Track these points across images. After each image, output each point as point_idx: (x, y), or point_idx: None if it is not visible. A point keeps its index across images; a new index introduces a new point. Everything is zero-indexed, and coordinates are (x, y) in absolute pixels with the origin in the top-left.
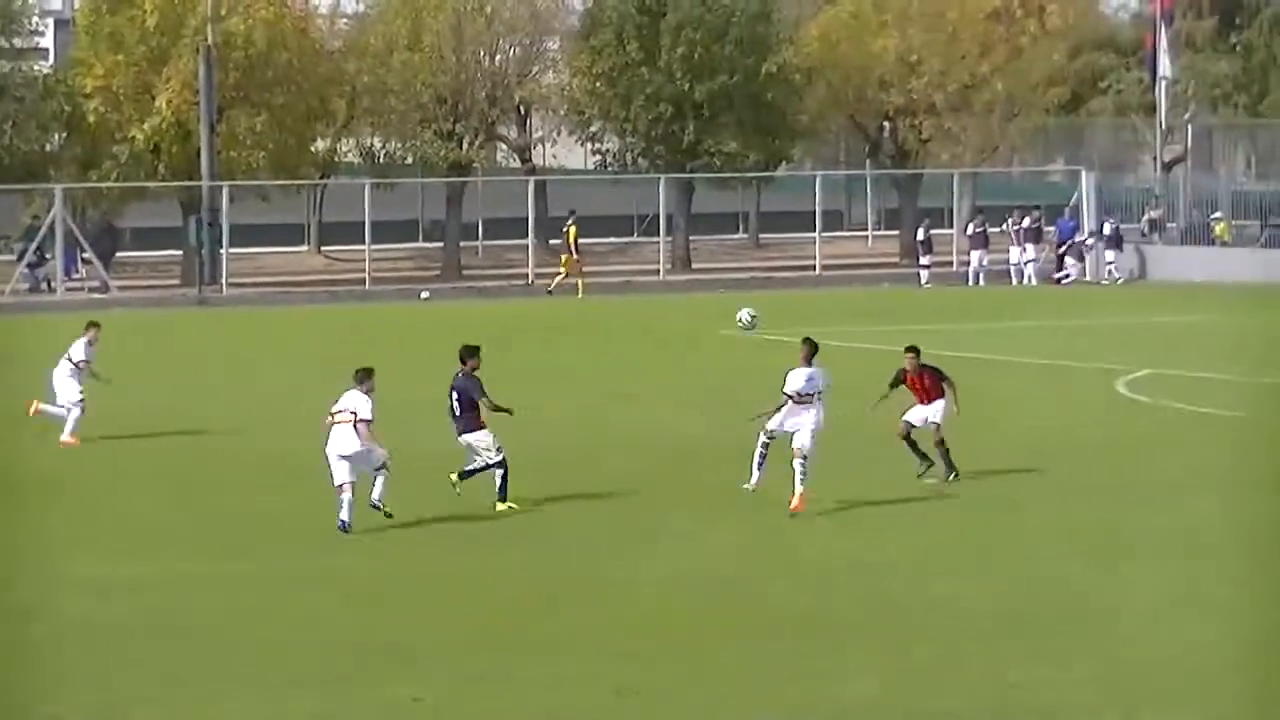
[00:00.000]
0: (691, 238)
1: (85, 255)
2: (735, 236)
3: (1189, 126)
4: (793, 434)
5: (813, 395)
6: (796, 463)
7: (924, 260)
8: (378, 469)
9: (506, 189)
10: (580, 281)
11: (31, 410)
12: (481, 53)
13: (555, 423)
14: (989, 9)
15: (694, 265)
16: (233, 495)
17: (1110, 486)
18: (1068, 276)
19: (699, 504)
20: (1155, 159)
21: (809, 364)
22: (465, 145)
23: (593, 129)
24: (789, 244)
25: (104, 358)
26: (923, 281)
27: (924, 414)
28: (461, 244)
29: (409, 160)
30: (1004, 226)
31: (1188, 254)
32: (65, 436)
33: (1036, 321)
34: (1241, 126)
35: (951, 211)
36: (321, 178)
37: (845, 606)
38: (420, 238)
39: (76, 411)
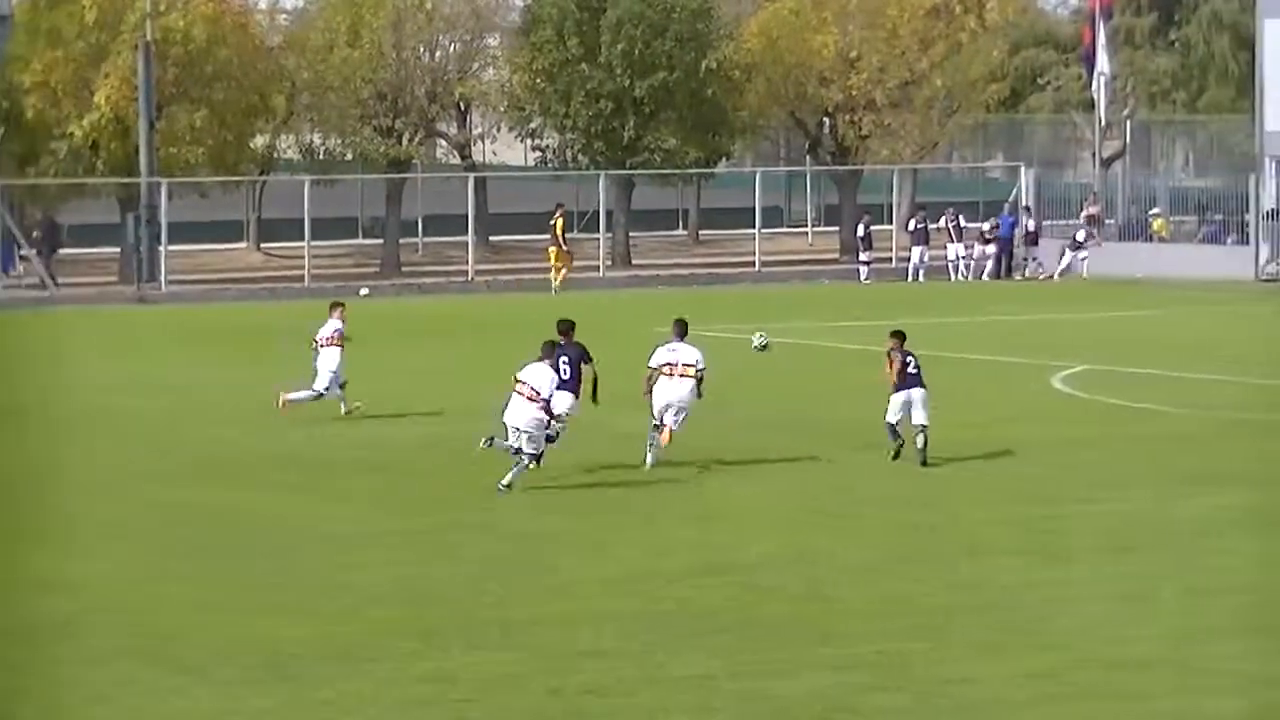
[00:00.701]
0: (631, 234)
1: (23, 252)
2: (675, 233)
3: (1128, 123)
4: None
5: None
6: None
7: (864, 256)
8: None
9: (446, 186)
10: (559, 275)
11: (280, 404)
12: (421, 49)
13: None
14: (928, 5)
15: (634, 261)
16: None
17: (1046, 482)
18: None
19: (642, 503)
20: (1094, 155)
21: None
22: (405, 142)
23: (533, 125)
24: (729, 240)
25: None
26: (862, 277)
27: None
28: (401, 241)
29: (349, 157)
30: (942, 222)
31: (1127, 250)
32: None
33: (975, 317)
34: (1180, 123)
35: (891, 208)
36: (261, 174)
37: (788, 603)
38: (360, 234)
39: (330, 387)
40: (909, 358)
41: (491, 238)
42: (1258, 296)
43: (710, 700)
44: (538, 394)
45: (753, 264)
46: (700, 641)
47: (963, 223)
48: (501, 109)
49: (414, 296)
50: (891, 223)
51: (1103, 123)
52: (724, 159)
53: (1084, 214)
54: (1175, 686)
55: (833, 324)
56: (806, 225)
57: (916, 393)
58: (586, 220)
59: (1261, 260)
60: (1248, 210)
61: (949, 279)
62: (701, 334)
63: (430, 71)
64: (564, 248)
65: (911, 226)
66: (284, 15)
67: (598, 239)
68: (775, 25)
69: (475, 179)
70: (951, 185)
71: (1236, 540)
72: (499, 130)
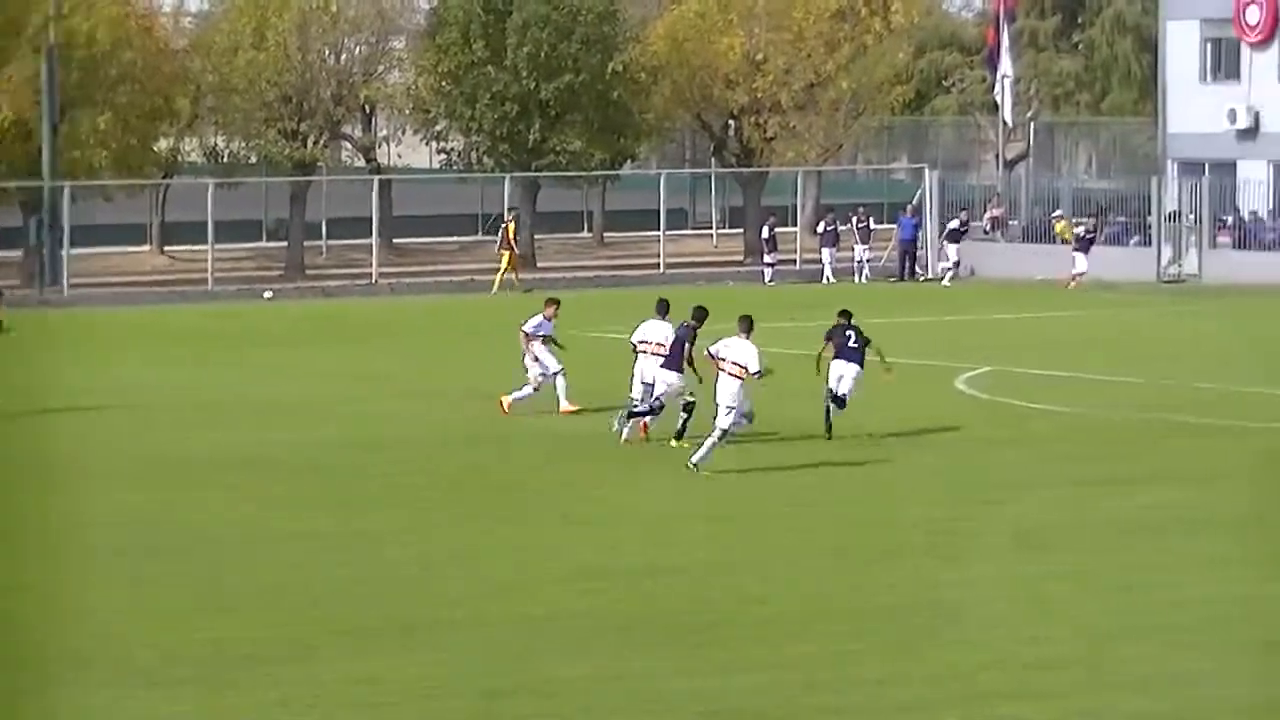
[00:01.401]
0: (536, 236)
1: None
2: (580, 235)
3: (1031, 125)
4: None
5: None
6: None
7: (768, 258)
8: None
9: (351, 188)
10: (501, 278)
11: (506, 405)
12: (327, 51)
13: (402, 418)
14: (834, 8)
15: (539, 264)
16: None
17: (955, 483)
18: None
19: (565, 501)
20: (998, 157)
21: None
22: (309, 144)
23: (438, 128)
24: (634, 242)
25: None
26: (767, 279)
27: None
28: (305, 243)
29: (253, 159)
30: (851, 224)
31: (1028, 251)
32: (564, 406)
33: (881, 319)
34: (1083, 125)
35: (796, 209)
36: (165, 177)
37: (717, 604)
38: (264, 237)
39: (561, 381)
40: (849, 332)
41: (396, 240)
42: (1160, 297)
43: (653, 700)
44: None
45: (658, 266)
46: (632, 642)
47: (871, 225)
48: (406, 112)
49: (318, 299)
50: (796, 225)
51: (1006, 125)
52: (629, 161)
53: (987, 216)
54: (1090, 685)
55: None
56: (711, 227)
57: (849, 367)
58: (491, 223)
59: (1163, 261)
60: (1150, 212)
61: (855, 280)
62: (605, 336)
63: (335, 74)
64: (514, 251)
65: (821, 229)
66: (189, 18)
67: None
68: (681, 28)
69: (380, 182)
70: (856, 187)
71: (1146, 539)
72: (404, 133)
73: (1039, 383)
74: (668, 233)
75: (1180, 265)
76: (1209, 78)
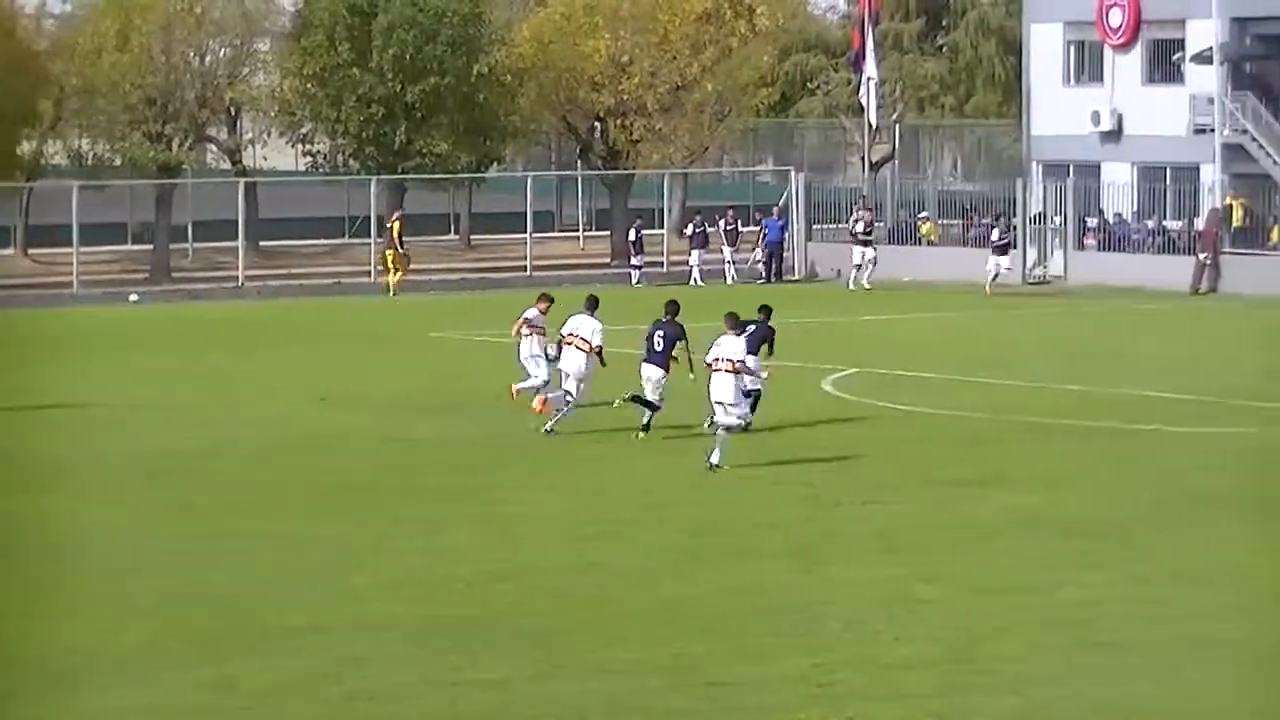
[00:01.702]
0: (403, 239)
1: None
2: (447, 238)
3: (896, 127)
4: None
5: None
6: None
7: (635, 260)
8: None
9: (216, 191)
10: (396, 280)
11: (514, 391)
12: (191, 54)
13: (267, 423)
14: (699, 11)
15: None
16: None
17: (819, 484)
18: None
19: (429, 508)
20: (863, 159)
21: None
22: (175, 147)
23: (304, 130)
24: (501, 245)
25: None
26: (634, 281)
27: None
28: (171, 246)
29: (118, 162)
30: (719, 227)
31: (894, 253)
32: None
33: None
34: (948, 127)
35: (662, 212)
36: (28, 180)
37: (570, 608)
38: (129, 240)
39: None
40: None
41: (263, 243)
42: (1026, 299)
43: (502, 704)
44: (586, 343)
45: (524, 268)
46: (490, 646)
47: (739, 227)
48: (272, 114)
49: (184, 303)
50: (663, 227)
51: (872, 127)
52: (495, 164)
53: (853, 218)
54: (946, 686)
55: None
56: (578, 229)
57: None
58: (358, 225)
59: (1029, 264)
60: (1015, 214)
61: (724, 282)
62: (473, 339)
63: (200, 76)
64: (401, 251)
65: (690, 231)
66: (51, 20)
67: (369, 244)
68: (547, 30)
69: (245, 184)
70: (722, 189)
71: (1009, 540)
72: (270, 135)
73: (904, 384)
74: (534, 235)
75: (1046, 267)
76: (1072, 80)
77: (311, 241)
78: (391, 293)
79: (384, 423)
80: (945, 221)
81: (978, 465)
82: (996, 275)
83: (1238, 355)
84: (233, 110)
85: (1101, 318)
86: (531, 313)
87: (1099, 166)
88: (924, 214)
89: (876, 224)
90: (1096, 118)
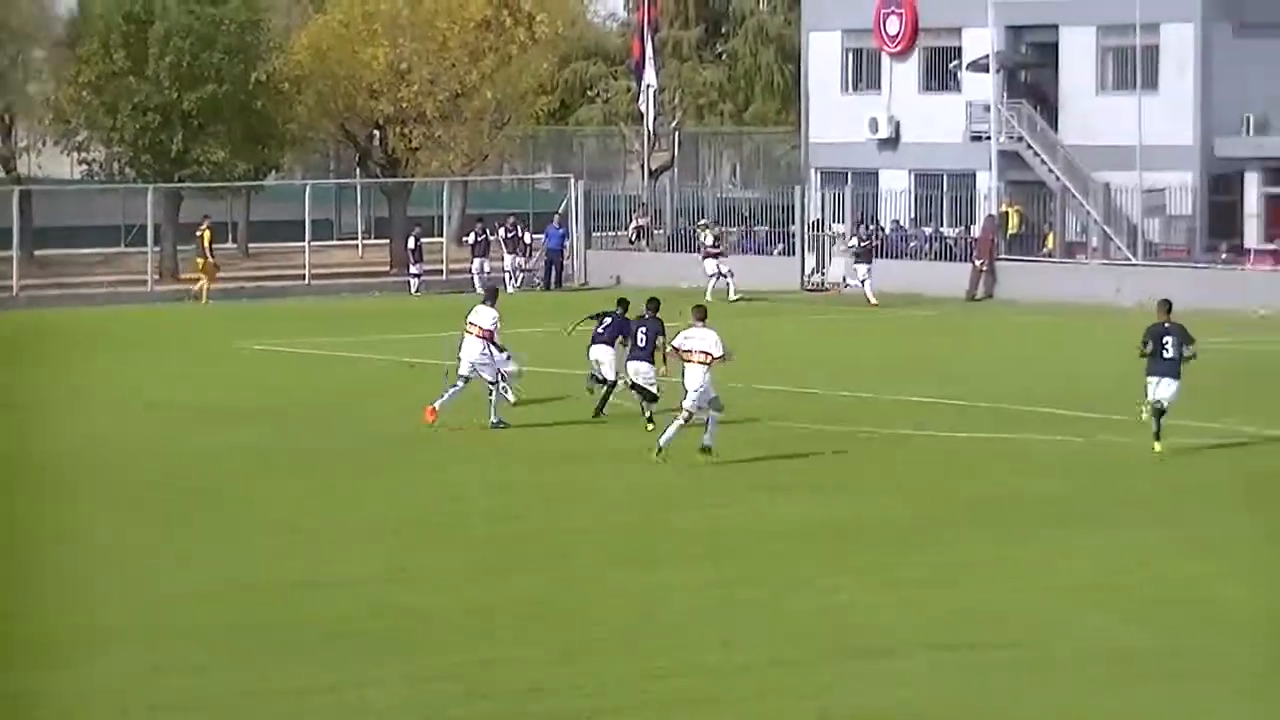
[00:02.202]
0: (180, 247)
1: None
2: (225, 246)
3: (676, 134)
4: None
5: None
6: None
7: (414, 269)
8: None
9: None
10: (206, 288)
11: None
12: None
13: (69, 433)
14: (479, 18)
15: (182, 275)
16: None
17: (637, 490)
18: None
19: (233, 513)
20: (643, 167)
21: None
22: None
23: (79, 138)
24: (279, 253)
25: None
26: (413, 290)
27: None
28: None
29: None
30: (501, 234)
31: (673, 260)
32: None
33: (530, 328)
34: (727, 134)
35: (442, 219)
36: None
37: (369, 615)
38: None
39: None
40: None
41: (38, 252)
42: (805, 306)
43: (306, 713)
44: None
45: (303, 277)
46: (296, 655)
47: (521, 234)
48: (47, 122)
49: None
50: (442, 235)
51: (651, 134)
52: (274, 171)
53: (632, 225)
54: (777, 690)
55: (386, 337)
56: (357, 238)
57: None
58: (134, 234)
59: (807, 270)
60: (793, 221)
61: (507, 290)
62: (251, 348)
63: None
64: (210, 259)
65: (472, 239)
66: None
67: (145, 253)
68: (325, 38)
69: (20, 193)
70: (502, 197)
71: (820, 546)
72: (45, 144)
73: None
74: (313, 243)
75: (824, 274)
76: (850, 88)
77: (88, 250)
78: (204, 300)
79: (191, 431)
80: (725, 229)
81: (771, 472)
82: (844, 281)
83: (1014, 361)
84: (7, 118)
85: (879, 324)
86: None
87: (877, 173)
88: (704, 221)
89: (656, 231)
90: (874, 125)
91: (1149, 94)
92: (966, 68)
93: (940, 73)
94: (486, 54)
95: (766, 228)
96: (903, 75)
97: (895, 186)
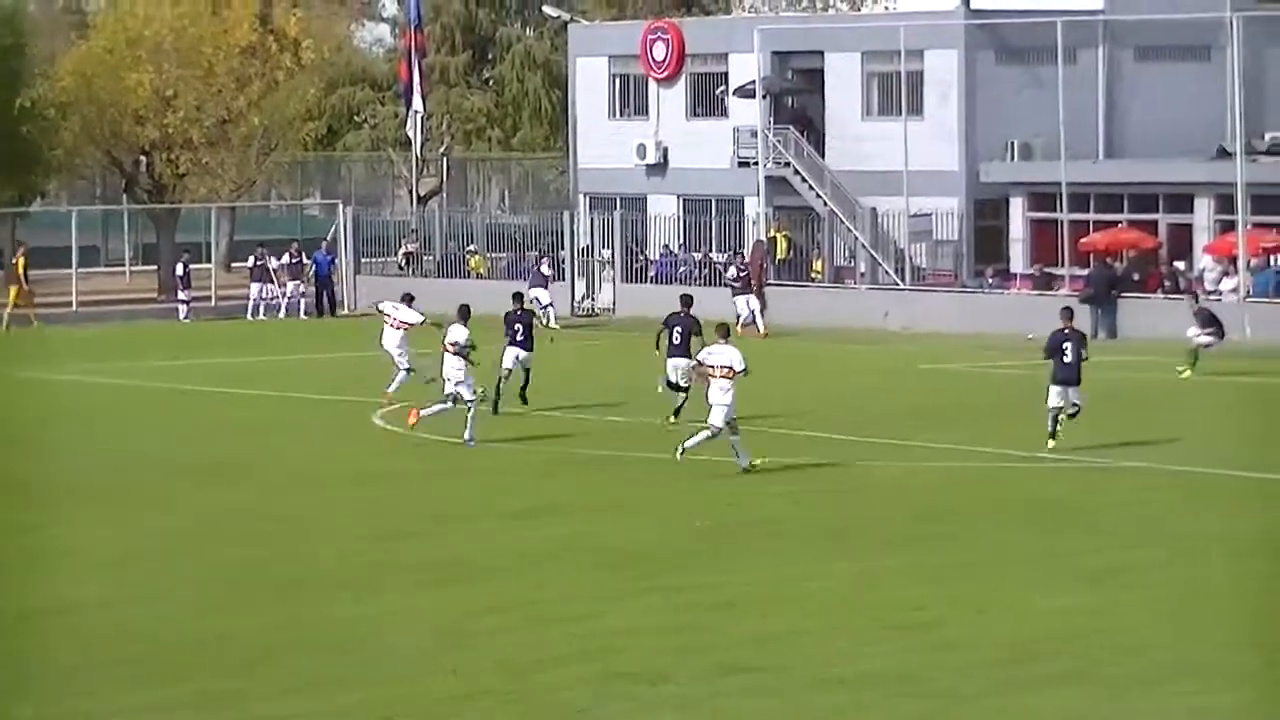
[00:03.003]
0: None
1: None
2: None
3: (444, 160)
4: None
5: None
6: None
7: (183, 295)
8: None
9: None
10: (32, 312)
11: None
12: None
13: None
14: (244, 44)
15: None
16: None
17: (373, 517)
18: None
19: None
20: (411, 193)
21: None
22: None
23: None
24: (47, 280)
25: None
26: (182, 316)
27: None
28: None
29: None
30: (285, 259)
31: (442, 286)
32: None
33: (300, 354)
34: (496, 160)
35: (210, 246)
36: None
37: (101, 645)
38: None
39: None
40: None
41: None
42: (575, 331)
43: None
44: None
45: (70, 303)
46: (18, 687)
47: (304, 261)
48: None
49: None
50: (211, 261)
51: (419, 160)
52: (39, 198)
53: (401, 251)
54: (504, 716)
55: (157, 363)
56: (125, 264)
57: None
58: None
59: (578, 296)
60: (563, 246)
61: (281, 316)
62: (15, 376)
63: None
64: (25, 286)
65: (251, 264)
66: None
67: None
68: (89, 64)
69: None
70: (270, 223)
71: (560, 569)
72: None
73: (455, 416)
74: (80, 270)
75: (594, 299)
76: (618, 114)
77: None
78: (33, 322)
79: None
80: (493, 254)
81: (535, 495)
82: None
83: (783, 385)
84: None
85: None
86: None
87: (645, 199)
88: (472, 247)
89: (425, 257)
90: (642, 150)
91: (914, 120)
92: (734, 94)
93: (707, 99)
94: (253, 80)
95: (536, 253)
96: (670, 101)
97: (664, 212)
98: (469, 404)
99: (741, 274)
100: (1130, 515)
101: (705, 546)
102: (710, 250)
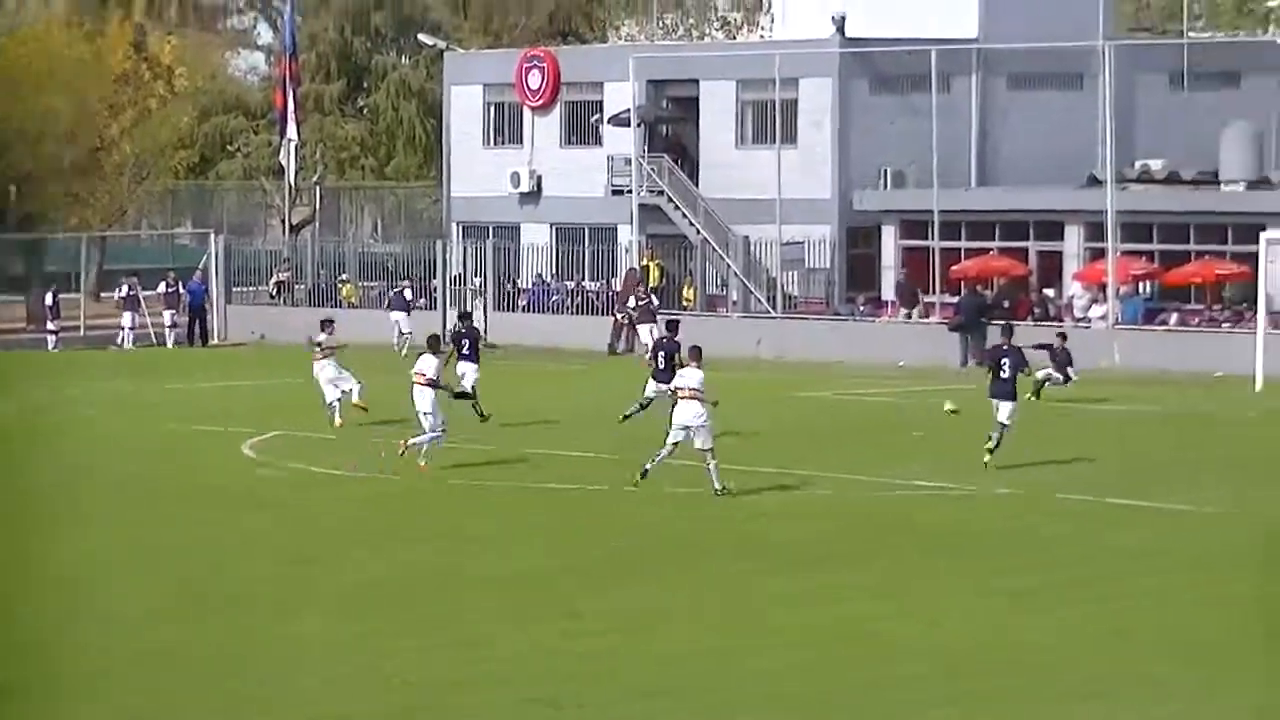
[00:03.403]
0: None
1: None
2: None
3: (317, 189)
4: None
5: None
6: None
7: (51, 325)
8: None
9: None
10: None
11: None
12: None
13: None
14: (117, 71)
15: None
16: None
17: (257, 546)
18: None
19: None
20: (284, 221)
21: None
22: None
23: None
24: None
25: None
26: (51, 346)
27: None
28: None
29: None
30: (160, 289)
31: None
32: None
33: (176, 384)
34: (369, 189)
35: (80, 276)
36: None
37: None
38: None
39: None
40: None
41: None
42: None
43: None
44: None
45: None
46: None
47: (180, 290)
48: None
49: None
50: (80, 291)
51: (292, 189)
52: None
53: (273, 280)
54: None
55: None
56: None
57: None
58: None
59: (449, 324)
60: (435, 275)
61: (155, 345)
62: None
63: None
64: None
65: (125, 292)
66: None
67: None
68: None
69: None
70: (142, 253)
71: (459, 595)
72: None
73: (322, 446)
74: None
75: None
76: (492, 142)
77: None
78: None
79: None
80: (365, 284)
81: (423, 524)
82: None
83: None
84: None
85: (521, 378)
86: (320, 336)
87: (518, 227)
88: (344, 276)
89: (298, 285)
90: (516, 179)
91: (788, 148)
92: (608, 122)
93: (582, 127)
94: (126, 108)
95: (408, 281)
96: (545, 129)
97: (537, 240)
98: (435, 437)
99: (641, 302)
100: (1019, 538)
101: (612, 570)
102: (584, 279)
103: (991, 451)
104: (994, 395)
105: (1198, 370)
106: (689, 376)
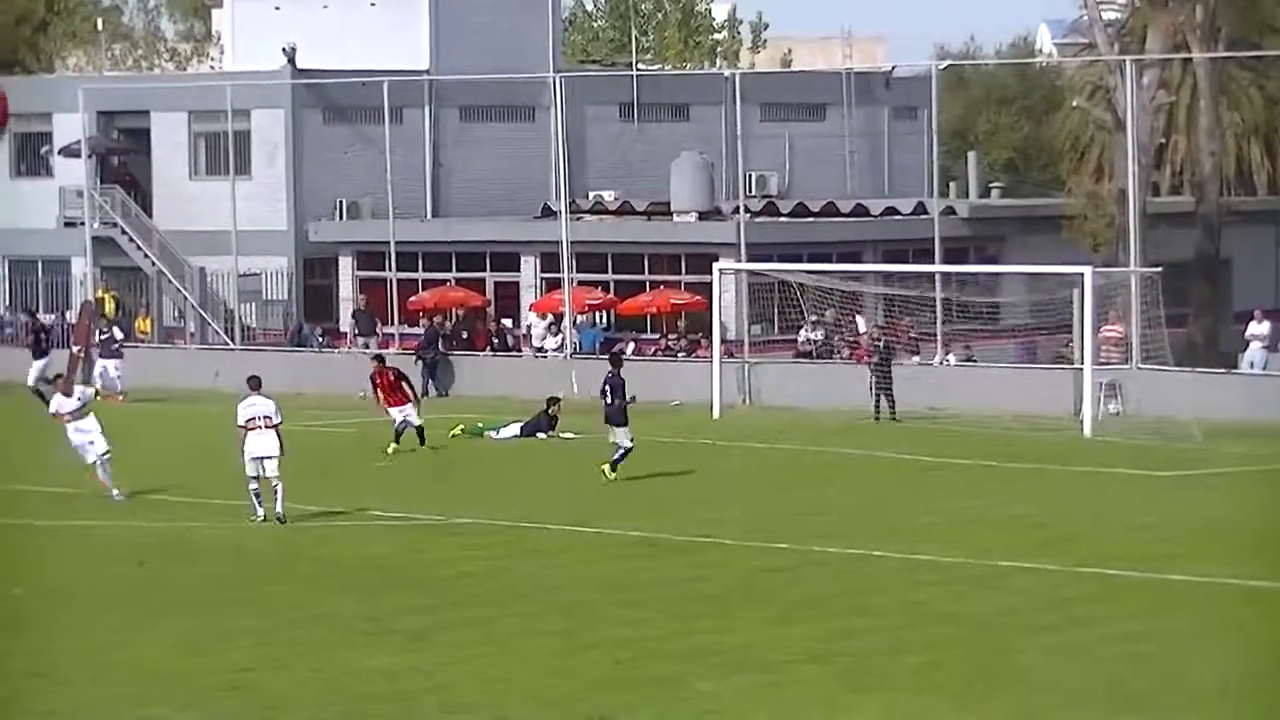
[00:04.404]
0: None
1: None
2: None
3: None
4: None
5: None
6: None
7: None
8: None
9: None
10: None
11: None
12: None
13: None
14: None
15: None
16: None
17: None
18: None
19: None
20: None
21: None
22: None
23: None
24: None
25: None
26: None
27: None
28: None
29: None
30: None
31: None
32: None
33: None
34: None
35: None
36: None
37: None
38: None
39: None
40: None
41: None
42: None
43: None
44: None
45: None
46: None
47: None
48: None
49: None
50: None
51: None
52: None
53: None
54: None
55: None
56: None
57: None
58: None
59: None
60: None
61: None
62: None
63: None
64: None
65: None
66: None
67: None
68: None
69: None
70: None
71: None
72: None
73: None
74: None
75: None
76: None
77: None
78: None
79: None
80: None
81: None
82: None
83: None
84: None
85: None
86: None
87: None
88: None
89: None
90: None
91: (242, 179)
92: (58, 153)
93: (32, 158)
94: None
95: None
96: None
97: None
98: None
99: (103, 336)
100: (453, 573)
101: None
102: (38, 311)
103: (613, 466)
104: (608, 421)
105: (656, 399)
106: (261, 405)
